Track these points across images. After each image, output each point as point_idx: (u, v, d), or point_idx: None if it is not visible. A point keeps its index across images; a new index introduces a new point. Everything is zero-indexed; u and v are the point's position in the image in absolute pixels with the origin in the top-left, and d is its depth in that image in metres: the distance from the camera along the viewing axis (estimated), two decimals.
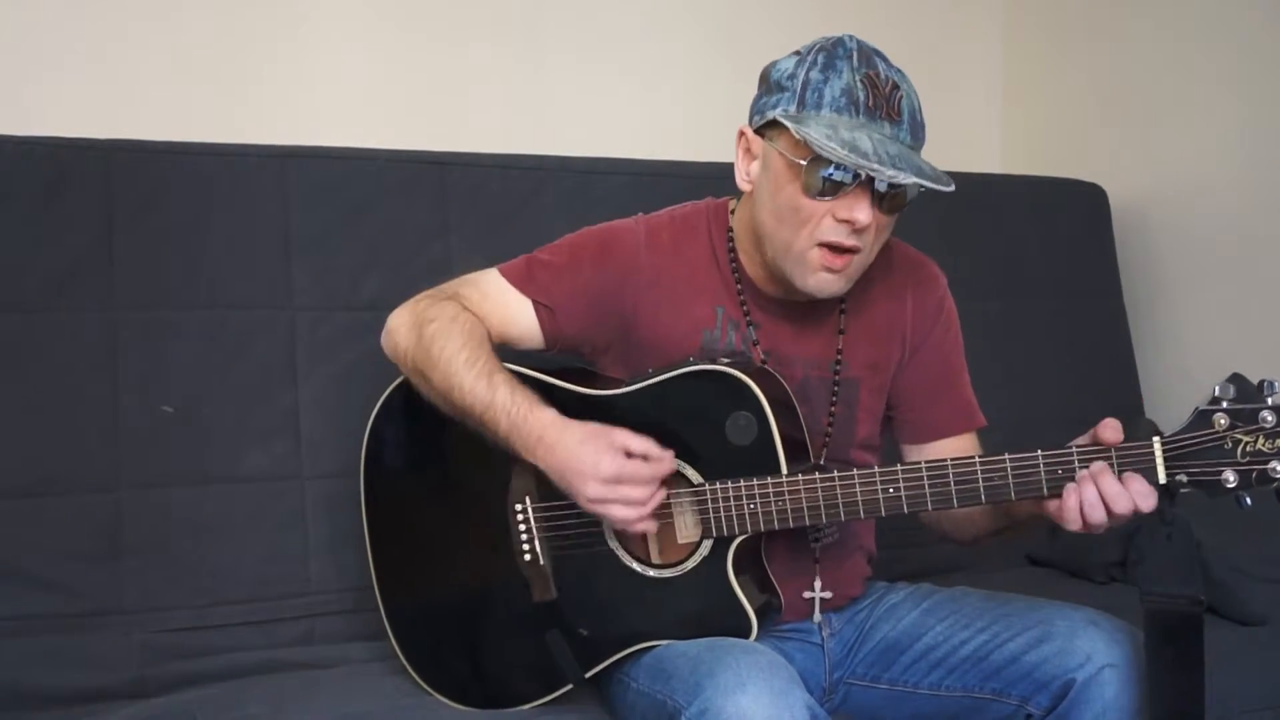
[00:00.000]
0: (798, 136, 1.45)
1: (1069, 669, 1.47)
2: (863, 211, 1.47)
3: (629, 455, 1.47)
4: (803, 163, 1.46)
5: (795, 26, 2.62)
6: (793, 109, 1.48)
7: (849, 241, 1.50)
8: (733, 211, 1.67)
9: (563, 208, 2.10)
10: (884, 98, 1.46)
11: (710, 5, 2.66)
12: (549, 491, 1.54)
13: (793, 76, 1.49)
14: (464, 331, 1.58)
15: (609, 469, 1.45)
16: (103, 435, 1.80)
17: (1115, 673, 1.45)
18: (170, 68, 2.17)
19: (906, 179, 1.42)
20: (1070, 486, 1.39)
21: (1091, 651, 1.47)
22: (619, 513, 1.47)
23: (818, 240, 1.50)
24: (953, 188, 1.45)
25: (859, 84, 1.45)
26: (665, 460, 1.49)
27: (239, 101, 2.21)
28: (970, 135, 2.95)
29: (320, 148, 2.02)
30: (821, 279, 1.53)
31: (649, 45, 2.59)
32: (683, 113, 2.60)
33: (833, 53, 1.49)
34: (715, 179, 1.79)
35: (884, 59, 1.50)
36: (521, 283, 1.65)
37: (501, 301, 1.64)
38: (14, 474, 1.75)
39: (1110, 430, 1.40)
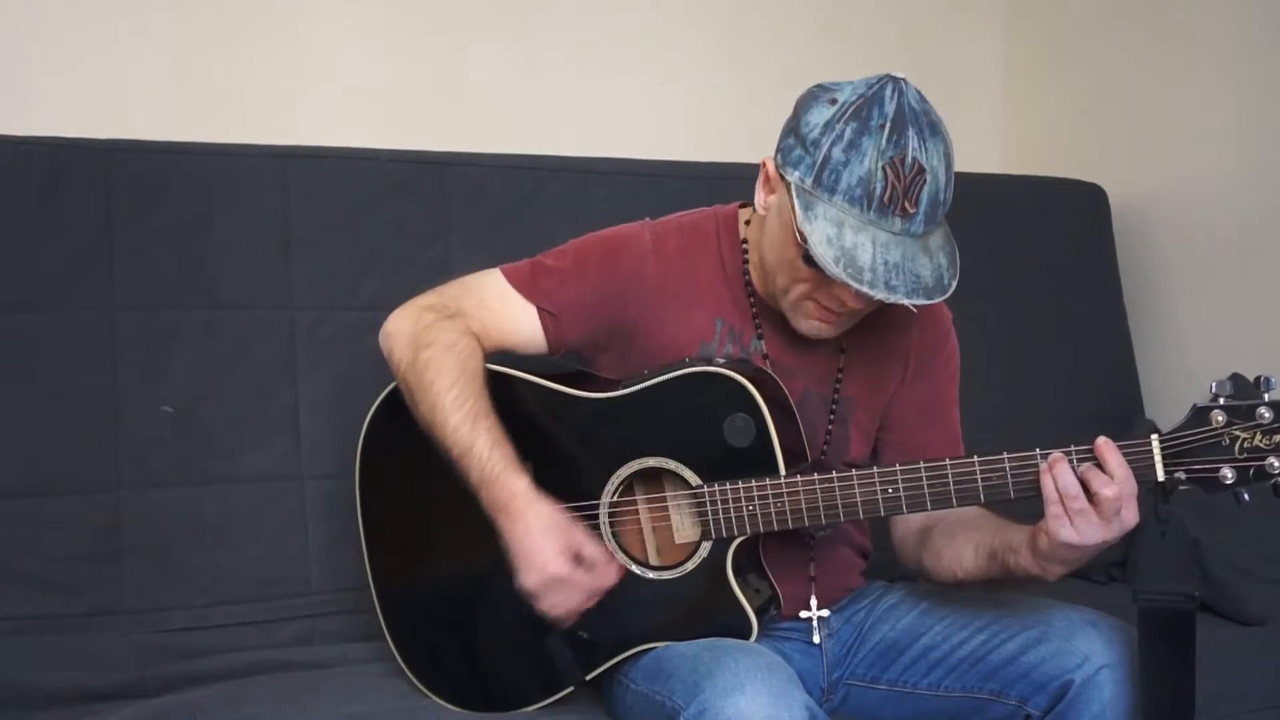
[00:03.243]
0: (801, 231, 1.43)
1: (1067, 669, 1.47)
2: (850, 299, 1.48)
3: (580, 559, 1.48)
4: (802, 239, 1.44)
5: (796, 27, 2.63)
6: (808, 182, 1.45)
7: (840, 311, 1.52)
8: (747, 222, 1.65)
9: (563, 208, 2.10)
10: (903, 189, 1.42)
11: (711, 5, 2.65)
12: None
13: (817, 144, 1.44)
14: (458, 364, 1.56)
15: (554, 571, 1.46)
16: (103, 435, 1.80)
17: (1112, 673, 1.45)
18: (170, 68, 2.16)
19: (895, 299, 1.41)
20: (1046, 468, 1.38)
21: (1089, 652, 1.47)
22: (545, 609, 1.50)
23: (811, 297, 1.52)
24: (946, 296, 1.45)
25: (879, 173, 1.41)
26: (610, 575, 1.51)
27: (239, 101, 2.21)
28: (970, 135, 2.92)
29: (320, 148, 2.01)
30: (814, 325, 1.55)
31: (649, 45, 2.59)
32: (683, 113, 2.60)
33: (865, 121, 1.42)
34: (716, 179, 1.80)
35: (918, 126, 1.43)
36: (526, 288, 1.64)
37: (504, 310, 1.63)
38: (14, 474, 1.75)
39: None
